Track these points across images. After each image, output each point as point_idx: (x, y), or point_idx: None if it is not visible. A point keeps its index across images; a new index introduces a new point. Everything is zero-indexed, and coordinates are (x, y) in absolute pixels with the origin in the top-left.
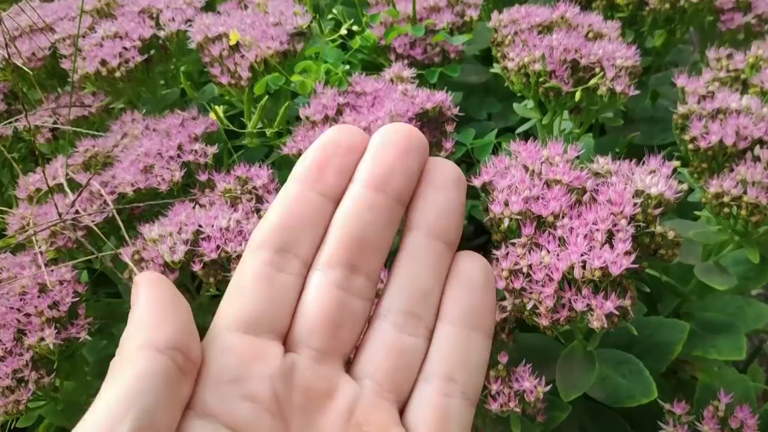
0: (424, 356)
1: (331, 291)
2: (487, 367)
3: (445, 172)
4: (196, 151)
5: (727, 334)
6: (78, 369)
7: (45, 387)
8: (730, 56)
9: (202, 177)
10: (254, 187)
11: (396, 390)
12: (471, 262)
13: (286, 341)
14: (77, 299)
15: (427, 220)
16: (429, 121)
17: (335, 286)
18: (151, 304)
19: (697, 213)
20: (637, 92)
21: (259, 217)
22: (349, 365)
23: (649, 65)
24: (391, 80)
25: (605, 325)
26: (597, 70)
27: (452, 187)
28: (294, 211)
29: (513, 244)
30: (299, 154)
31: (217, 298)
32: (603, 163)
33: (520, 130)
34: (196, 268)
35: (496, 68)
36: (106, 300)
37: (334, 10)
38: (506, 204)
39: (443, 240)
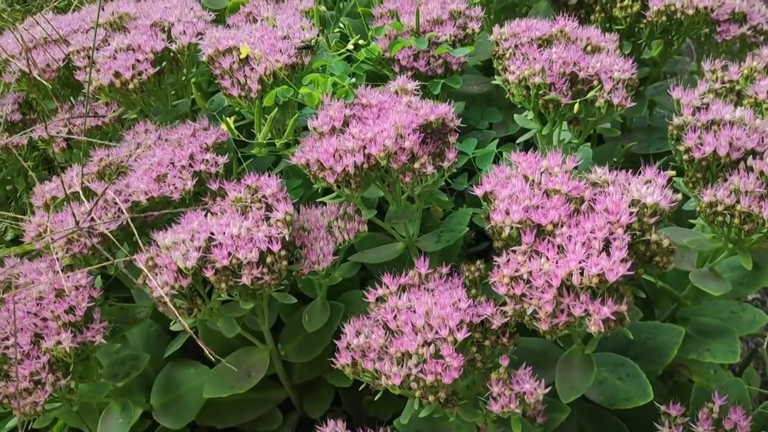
0: None
1: None
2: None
3: None
4: (207, 160)
5: (722, 338)
6: (92, 371)
7: (61, 389)
8: (725, 68)
9: (213, 186)
10: (264, 196)
11: None
12: None
13: None
14: (93, 304)
15: None
16: (432, 132)
17: None
18: None
19: (692, 221)
20: (633, 104)
21: (269, 225)
22: None
23: (646, 76)
24: (396, 92)
25: (602, 330)
26: (595, 82)
27: None
28: None
29: (514, 252)
30: (307, 164)
31: (227, 303)
32: (600, 173)
33: (520, 140)
34: (209, 274)
35: (497, 80)
36: (119, 304)
37: (341, 24)
38: (507, 213)
39: None
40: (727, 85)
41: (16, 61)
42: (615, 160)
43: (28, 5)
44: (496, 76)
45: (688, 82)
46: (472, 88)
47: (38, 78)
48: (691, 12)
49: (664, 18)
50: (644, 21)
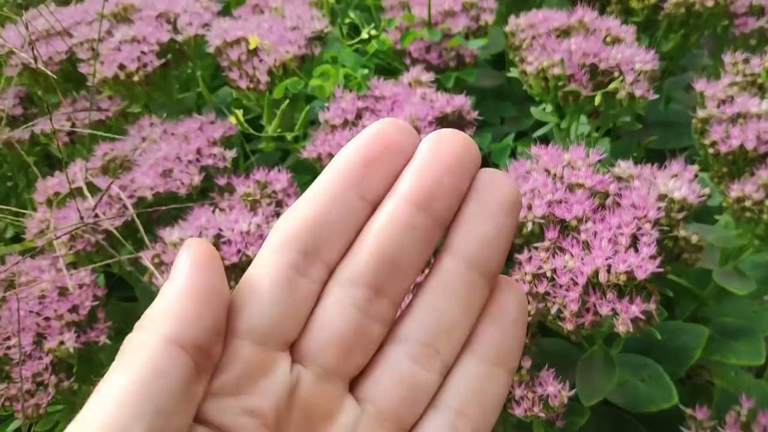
0: (436, 391)
1: (351, 312)
2: (503, 404)
3: (500, 191)
4: (214, 155)
5: (746, 339)
6: (95, 372)
7: (64, 391)
8: (746, 61)
9: (221, 181)
10: (274, 191)
11: (398, 420)
12: (508, 293)
13: (293, 350)
14: (97, 303)
15: (469, 247)
16: (448, 126)
17: (356, 307)
18: (192, 289)
19: (717, 217)
20: (656, 96)
21: None
22: (353, 382)
23: (663, 69)
24: (410, 84)
25: (631, 330)
26: (616, 74)
27: (505, 212)
28: (329, 209)
29: (536, 248)
30: (318, 158)
31: None
32: (625, 167)
33: (537, 133)
34: None
35: (513, 72)
36: (123, 303)
37: (352, 15)
38: (529, 208)
39: (482, 271)
40: (749, 78)
41: (18, 53)
42: (634, 155)
43: None
44: (511, 68)
45: (705, 76)
46: (484, 82)
47: (43, 69)
48: (710, 4)
49: (682, 10)
50: (662, 13)
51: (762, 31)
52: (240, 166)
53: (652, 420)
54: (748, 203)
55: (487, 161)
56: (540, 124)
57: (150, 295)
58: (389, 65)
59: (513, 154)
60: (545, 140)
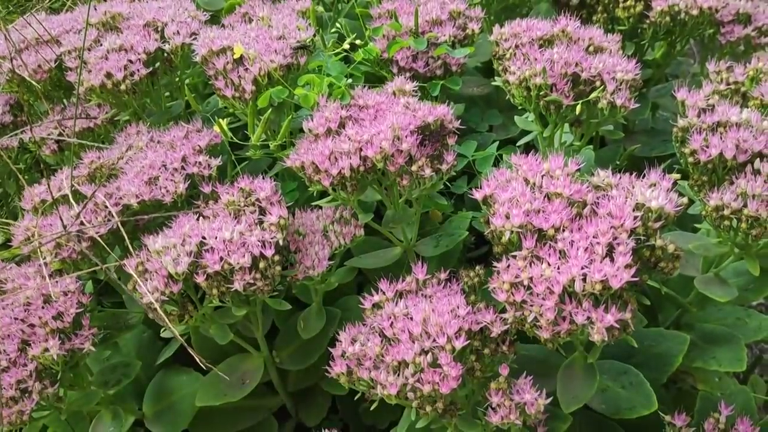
0: None
1: None
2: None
3: None
4: (200, 163)
5: (728, 346)
6: (82, 378)
7: (49, 397)
8: (730, 69)
9: (206, 189)
10: (257, 199)
11: None
12: None
13: None
14: (81, 310)
15: None
16: (430, 134)
17: None
18: None
19: (697, 225)
20: (637, 105)
21: (262, 229)
22: None
23: (649, 77)
24: (393, 93)
25: (606, 338)
26: (597, 83)
27: None
28: None
29: (514, 257)
30: (302, 166)
31: (220, 309)
32: (603, 176)
33: (521, 142)
34: (200, 279)
35: (497, 81)
36: (110, 310)
37: (338, 24)
38: (507, 217)
39: None
40: (732, 87)
41: (6, 62)
42: (618, 163)
43: (22, 7)
44: (496, 77)
45: (692, 84)
46: (472, 90)
47: (28, 78)
48: (695, 12)
49: (667, 18)
50: (647, 21)
51: (749, 39)
52: (228, 174)
53: (634, 425)
54: (726, 212)
55: (471, 168)
56: (526, 132)
57: (136, 301)
58: (377, 73)
59: (497, 162)
60: (530, 149)
